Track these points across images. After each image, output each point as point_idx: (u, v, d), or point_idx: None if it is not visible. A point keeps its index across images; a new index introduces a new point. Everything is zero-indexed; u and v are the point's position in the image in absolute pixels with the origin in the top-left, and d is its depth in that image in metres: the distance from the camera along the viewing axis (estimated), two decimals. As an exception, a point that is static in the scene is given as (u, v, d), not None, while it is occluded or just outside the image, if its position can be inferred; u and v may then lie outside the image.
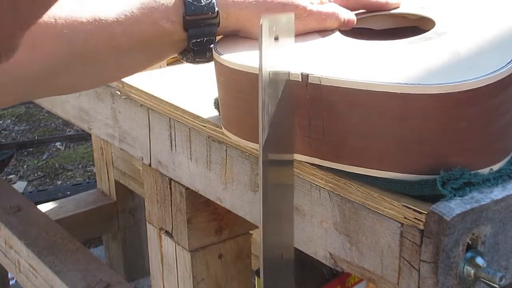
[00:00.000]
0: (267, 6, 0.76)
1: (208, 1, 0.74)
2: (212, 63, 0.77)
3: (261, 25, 0.60)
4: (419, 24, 0.84)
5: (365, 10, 0.85)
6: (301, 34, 0.77)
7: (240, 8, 0.76)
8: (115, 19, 0.72)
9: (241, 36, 0.78)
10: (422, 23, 0.83)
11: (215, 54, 0.75)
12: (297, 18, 0.76)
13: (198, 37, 0.75)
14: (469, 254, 0.61)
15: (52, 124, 3.56)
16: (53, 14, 0.69)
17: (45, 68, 0.71)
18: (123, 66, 0.78)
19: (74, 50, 0.71)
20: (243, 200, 0.83)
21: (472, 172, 0.63)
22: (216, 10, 0.75)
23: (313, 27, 0.78)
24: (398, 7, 0.85)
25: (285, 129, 0.68)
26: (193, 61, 0.79)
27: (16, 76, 0.70)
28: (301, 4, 0.76)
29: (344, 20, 0.79)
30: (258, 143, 0.64)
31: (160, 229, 1.03)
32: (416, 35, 0.74)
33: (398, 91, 0.61)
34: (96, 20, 0.71)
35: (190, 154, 0.89)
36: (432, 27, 0.76)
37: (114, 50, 0.73)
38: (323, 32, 0.78)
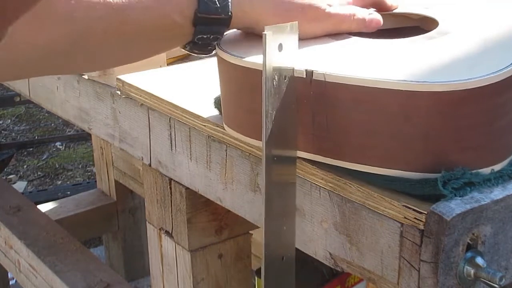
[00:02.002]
0: (286, 8, 0.74)
1: (224, 3, 0.73)
2: (212, 62, 0.77)
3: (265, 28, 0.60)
4: (422, 24, 0.84)
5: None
6: None
7: (257, 8, 0.75)
8: (127, 6, 0.71)
9: (255, 33, 0.77)
10: (424, 23, 0.83)
11: (218, 51, 0.74)
12: (316, 21, 0.75)
13: (204, 33, 0.75)
14: (469, 254, 0.61)
15: (52, 124, 3.55)
16: None
17: (48, 50, 0.71)
18: (128, 53, 0.77)
19: (80, 34, 0.71)
20: (243, 200, 0.83)
21: (473, 171, 0.63)
22: (229, 13, 0.74)
23: (331, 29, 0.76)
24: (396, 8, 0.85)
25: (288, 126, 0.68)
26: (190, 51, 0.78)
27: (19, 55, 0.69)
28: (321, 7, 0.75)
29: (365, 21, 0.77)
30: (260, 140, 0.64)
31: (160, 229, 1.03)
32: (419, 35, 0.74)
33: (403, 88, 0.61)
34: (107, 4, 0.70)
35: (190, 154, 0.89)
36: (435, 27, 0.76)
37: (121, 37, 0.73)
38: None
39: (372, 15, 0.78)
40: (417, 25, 0.84)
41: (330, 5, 0.76)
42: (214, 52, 0.78)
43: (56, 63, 0.74)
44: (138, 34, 0.73)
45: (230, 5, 0.74)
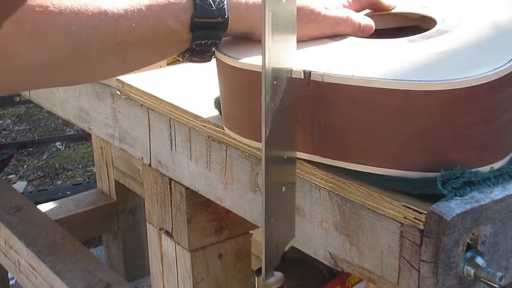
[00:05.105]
0: None
1: (220, 5, 0.73)
2: (211, 63, 0.77)
3: (264, 21, 0.60)
4: (420, 23, 0.84)
5: (369, 10, 0.85)
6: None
7: (253, 13, 0.75)
8: (123, 15, 0.71)
9: (253, 39, 0.77)
10: (423, 23, 0.83)
11: (217, 53, 0.74)
12: (313, 22, 0.75)
13: (203, 39, 0.74)
14: (469, 254, 0.61)
15: (52, 124, 3.55)
16: (58, 3, 0.69)
17: (45, 61, 0.70)
18: (125, 62, 0.77)
19: (77, 45, 0.70)
20: (243, 200, 0.83)
21: (473, 170, 0.63)
22: (226, 16, 0.74)
23: (327, 32, 0.77)
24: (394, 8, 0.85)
25: (287, 127, 0.68)
26: (189, 59, 0.78)
27: (15, 66, 0.69)
28: (316, 9, 0.76)
29: (360, 25, 0.78)
30: (259, 142, 0.64)
31: (160, 229, 1.03)
32: (418, 34, 0.74)
33: (401, 88, 0.61)
34: (103, 13, 0.70)
35: (190, 154, 0.89)
36: (434, 26, 0.76)
37: (118, 46, 0.73)
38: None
39: (366, 20, 0.78)
40: (416, 25, 0.84)
41: (326, 8, 0.77)
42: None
43: (53, 75, 0.74)
44: (134, 44, 0.73)
45: (226, 8, 0.74)
